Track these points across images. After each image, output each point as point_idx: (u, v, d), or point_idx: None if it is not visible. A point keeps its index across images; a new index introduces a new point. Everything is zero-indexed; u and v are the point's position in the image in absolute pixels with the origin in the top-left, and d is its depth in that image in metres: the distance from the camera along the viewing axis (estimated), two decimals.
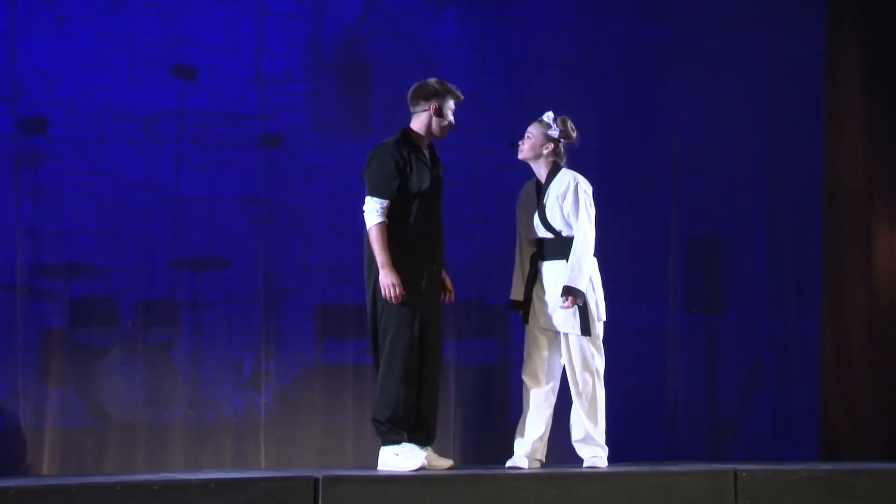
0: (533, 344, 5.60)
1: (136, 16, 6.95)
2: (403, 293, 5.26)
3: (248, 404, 7.01)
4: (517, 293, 5.66)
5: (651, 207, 7.79)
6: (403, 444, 5.33)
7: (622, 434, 7.22)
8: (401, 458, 5.31)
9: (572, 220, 5.55)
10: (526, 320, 5.64)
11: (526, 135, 5.64)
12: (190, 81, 7.04)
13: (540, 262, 5.60)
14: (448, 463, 5.47)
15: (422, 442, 5.40)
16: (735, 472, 5.37)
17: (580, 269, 5.49)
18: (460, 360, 7.28)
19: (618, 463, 5.78)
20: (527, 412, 5.58)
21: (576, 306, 5.48)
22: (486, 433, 7.08)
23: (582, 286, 5.48)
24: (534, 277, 5.60)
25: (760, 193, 8.00)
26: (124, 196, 6.89)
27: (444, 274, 5.55)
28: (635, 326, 7.61)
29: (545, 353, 5.56)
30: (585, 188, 5.59)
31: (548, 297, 5.55)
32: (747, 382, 7.87)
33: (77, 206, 6.81)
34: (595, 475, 5.35)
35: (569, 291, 5.47)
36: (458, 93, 5.49)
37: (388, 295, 5.26)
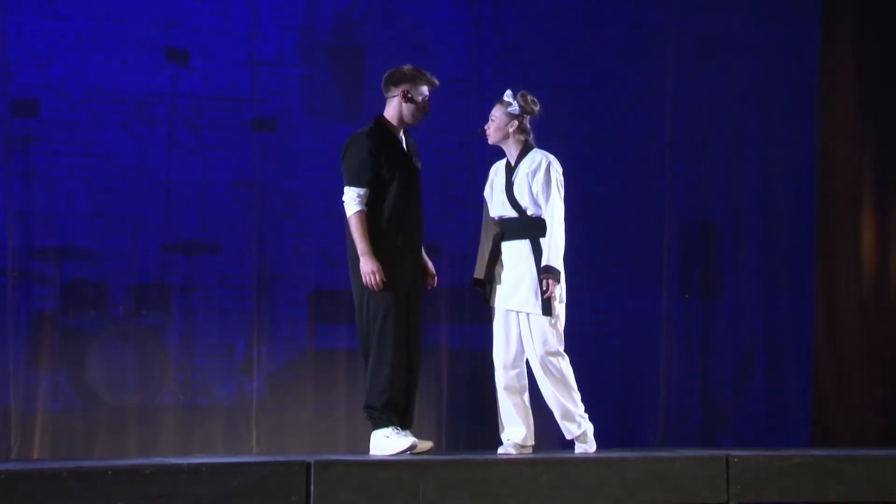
0: (500, 325, 5.57)
1: None
2: (384, 279, 5.27)
3: (239, 389, 7.00)
4: (479, 271, 5.63)
5: (646, 193, 7.78)
6: (393, 427, 5.33)
7: (615, 420, 7.23)
8: (391, 441, 5.31)
9: (541, 199, 5.50)
10: (487, 300, 5.61)
11: (489, 118, 5.61)
12: (182, 64, 7.01)
13: (501, 241, 5.56)
14: (429, 444, 5.48)
15: (405, 426, 5.41)
16: (727, 457, 5.35)
17: (557, 248, 5.47)
18: (453, 345, 7.27)
19: (610, 449, 5.78)
20: (504, 399, 5.55)
21: (536, 286, 5.43)
22: (479, 419, 7.07)
23: (560, 266, 5.46)
24: (496, 257, 5.57)
25: (755, 180, 7.99)
26: (116, 179, 6.87)
27: (425, 259, 5.54)
28: (629, 312, 7.60)
29: (513, 334, 5.53)
30: (557, 168, 5.56)
31: (509, 277, 5.52)
32: (740, 369, 7.88)
33: (68, 188, 6.79)
34: (587, 460, 5.34)
35: (548, 271, 5.43)
36: (433, 79, 5.47)
37: (368, 282, 5.29)
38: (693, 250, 7.90)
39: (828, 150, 8.02)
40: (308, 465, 4.81)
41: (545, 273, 5.43)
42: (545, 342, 5.47)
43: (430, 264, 5.56)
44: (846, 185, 8.01)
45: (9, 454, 6.45)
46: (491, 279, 5.57)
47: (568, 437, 5.60)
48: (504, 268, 5.54)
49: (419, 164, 5.52)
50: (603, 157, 7.62)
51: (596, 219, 7.39)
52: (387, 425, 5.34)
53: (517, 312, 5.52)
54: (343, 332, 7.09)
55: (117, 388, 6.75)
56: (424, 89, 5.46)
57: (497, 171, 5.66)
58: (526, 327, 5.50)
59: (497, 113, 5.59)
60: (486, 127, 5.61)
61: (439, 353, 7.13)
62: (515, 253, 5.52)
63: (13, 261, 6.63)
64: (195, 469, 4.68)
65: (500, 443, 5.61)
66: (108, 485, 4.54)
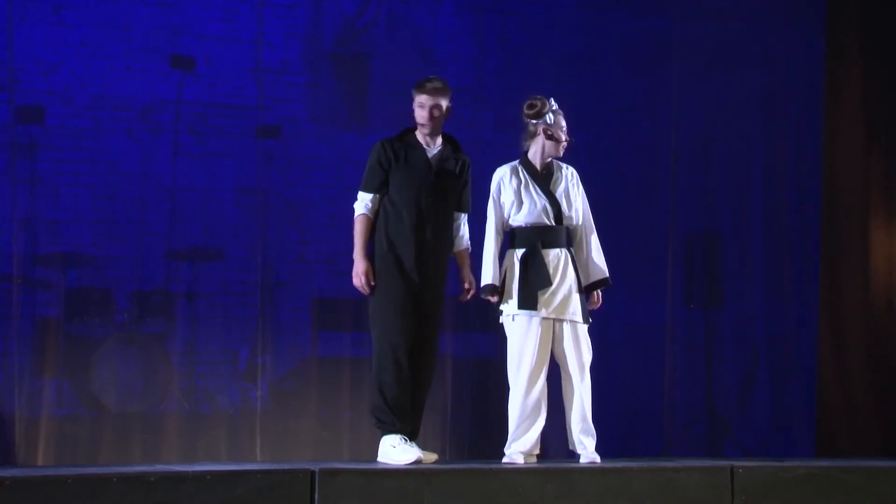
0: (532, 334, 5.51)
1: (134, 5, 6.94)
2: (373, 283, 5.31)
3: (243, 396, 7.00)
4: (493, 277, 5.53)
5: (650, 202, 7.78)
6: (400, 435, 5.33)
7: (619, 429, 7.22)
8: (398, 451, 5.30)
9: (579, 208, 5.63)
10: (501, 306, 5.58)
11: (565, 129, 5.65)
12: (188, 72, 7.02)
13: (544, 249, 5.54)
14: (434, 457, 5.47)
15: (412, 437, 5.39)
16: (732, 468, 5.35)
17: (603, 258, 5.63)
18: (458, 353, 7.26)
19: (615, 459, 5.77)
20: (516, 407, 5.51)
21: (582, 295, 5.53)
22: (483, 427, 7.06)
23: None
24: (526, 264, 5.52)
25: (759, 189, 7.99)
26: (121, 186, 6.88)
27: (465, 273, 5.53)
28: (633, 321, 7.60)
29: (544, 343, 5.52)
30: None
31: (557, 287, 5.52)
32: (745, 379, 7.87)
33: (73, 195, 6.80)
34: (592, 470, 5.34)
35: (605, 283, 5.60)
36: (426, 84, 5.50)
37: (356, 284, 5.37)
38: (697, 260, 7.90)
39: (833, 160, 8.02)
40: (312, 473, 4.81)
41: (602, 284, 5.58)
42: (590, 350, 5.56)
43: (466, 279, 5.55)
44: (851, 195, 8.00)
45: (13, 461, 6.45)
46: (523, 287, 5.51)
47: (578, 449, 5.57)
48: (562, 277, 5.53)
49: (451, 178, 5.47)
50: (607, 166, 7.61)
51: (599, 228, 7.37)
52: (392, 432, 5.34)
53: (557, 321, 5.50)
54: (347, 339, 7.09)
55: (121, 396, 6.75)
56: (421, 98, 5.46)
57: (512, 177, 5.64)
58: (570, 336, 5.51)
59: (564, 123, 5.67)
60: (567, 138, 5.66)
61: (444, 361, 7.12)
62: (560, 263, 5.54)
63: (18, 268, 6.63)
64: (199, 477, 4.68)
65: (504, 451, 5.60)
66: (113, 492, 4.54)
